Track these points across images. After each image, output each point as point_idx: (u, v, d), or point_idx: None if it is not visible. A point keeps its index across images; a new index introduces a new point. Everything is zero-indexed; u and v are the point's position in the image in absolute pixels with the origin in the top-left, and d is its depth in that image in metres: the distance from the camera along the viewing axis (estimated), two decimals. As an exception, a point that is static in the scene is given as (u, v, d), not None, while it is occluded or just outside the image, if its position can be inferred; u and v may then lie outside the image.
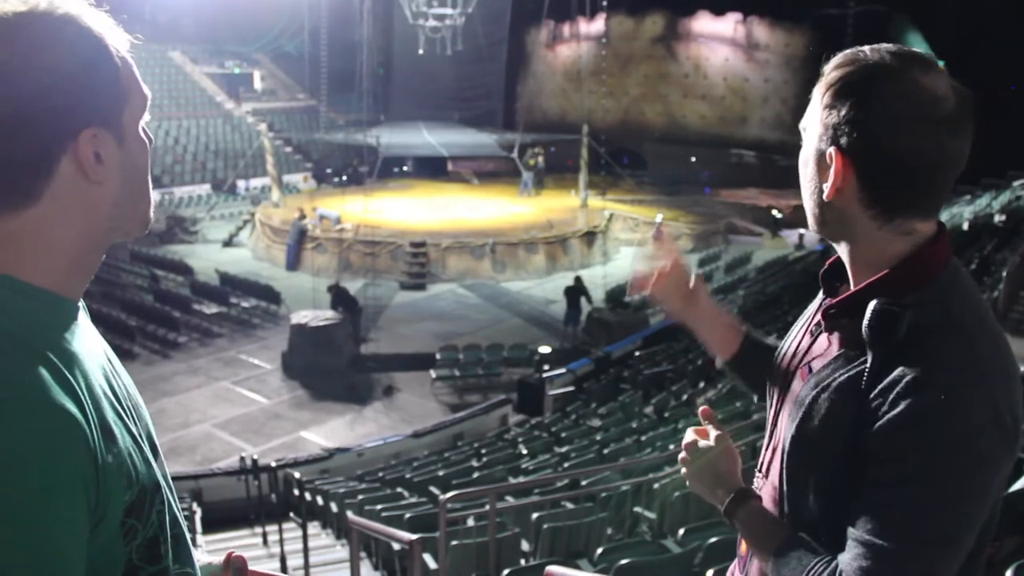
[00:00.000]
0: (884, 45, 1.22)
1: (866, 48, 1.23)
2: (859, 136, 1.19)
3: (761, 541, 1.33)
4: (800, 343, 1.43)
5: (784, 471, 1.31)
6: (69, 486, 0.85)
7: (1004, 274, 10.63)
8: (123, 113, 1.00)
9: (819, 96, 1.24)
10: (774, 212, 26.69)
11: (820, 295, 1.45)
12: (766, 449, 1.45)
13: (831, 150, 1.21)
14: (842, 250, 1.32)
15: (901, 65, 1.19)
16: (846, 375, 1.21)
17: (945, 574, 1.13)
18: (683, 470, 1.48)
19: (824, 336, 1.35)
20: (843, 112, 1.20)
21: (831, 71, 1.24)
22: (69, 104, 0.93)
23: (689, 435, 1.49)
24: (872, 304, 1.19)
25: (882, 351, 1.17)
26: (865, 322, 1.19)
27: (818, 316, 1.37)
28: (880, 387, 1.15)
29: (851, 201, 1.24)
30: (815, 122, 1.25)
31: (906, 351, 1.15)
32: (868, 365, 1.17)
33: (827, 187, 1.23)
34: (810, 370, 1.33)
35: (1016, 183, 21.16)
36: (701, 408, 1.51)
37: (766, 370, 1.52)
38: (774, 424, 1.44)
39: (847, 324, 1.26)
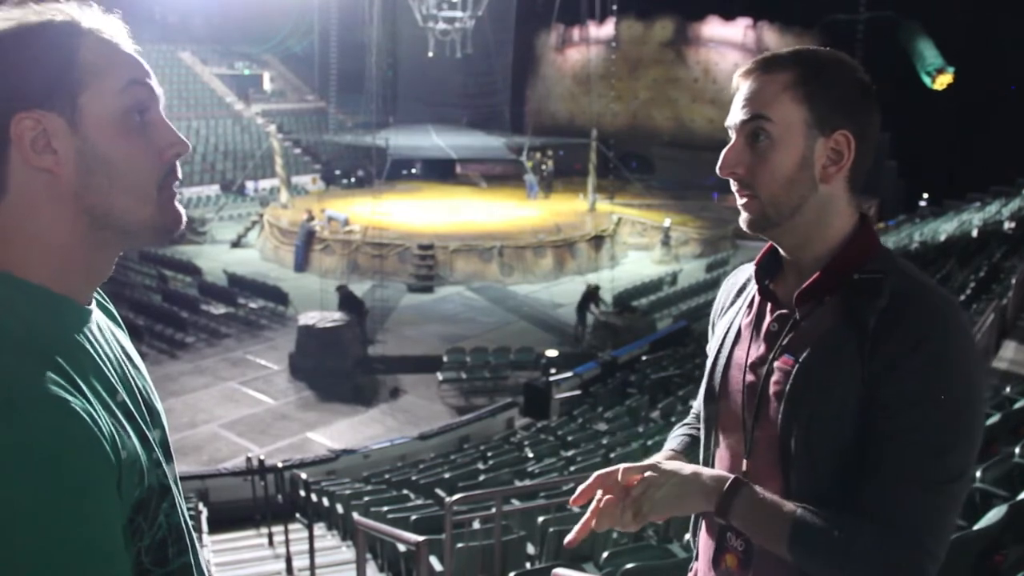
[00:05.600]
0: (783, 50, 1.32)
1: (782, 51, 1.31)
2: (854, 116, 1.28)
3: (770, 524, 1.23)
4: (751, 342, 1.39)
5: (798, 458, 1.25)
6: (99, 479, 0.84)
7: (1013, 281, 10.54)
8: (79, 97, 0.94)
9: (781, 91, 1.27)
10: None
11: (741, 290, 1.50)
12: (742, 459, 1.36)
13: (840, 134, 1.27)
14: (791, 240, 1.34)
15: (835, 55, 1.30)
16: (846, 348, 1.23)
17: (960, 505, 1.21)
18: (647, 504, 1.29)
19: (773, 326, 1.35)
20: (830, 98, 1.26)
21: (788, 70, 1.27)
22: None
23: (624, 473, 1.33)
24: (855, 276, 1.26)
25: (874, 318, 1.21)
26: (856, 293, 1.25)
27: (764, 311, 1.39)
28: (884, 349, 1.20)
29: (840, 183, 1.30)
30: (786, 115, 1.27)
31: (895, 312, 1.21)
32: (868, 331, 1.21)
33: (832, 171, 1.28)
34: (793, 359, 1.29)
35: (1026, 190, 21.06)
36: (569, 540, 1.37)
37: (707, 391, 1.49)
38: (746, 427, 1.36)
39: (820, 304, 1.30)
